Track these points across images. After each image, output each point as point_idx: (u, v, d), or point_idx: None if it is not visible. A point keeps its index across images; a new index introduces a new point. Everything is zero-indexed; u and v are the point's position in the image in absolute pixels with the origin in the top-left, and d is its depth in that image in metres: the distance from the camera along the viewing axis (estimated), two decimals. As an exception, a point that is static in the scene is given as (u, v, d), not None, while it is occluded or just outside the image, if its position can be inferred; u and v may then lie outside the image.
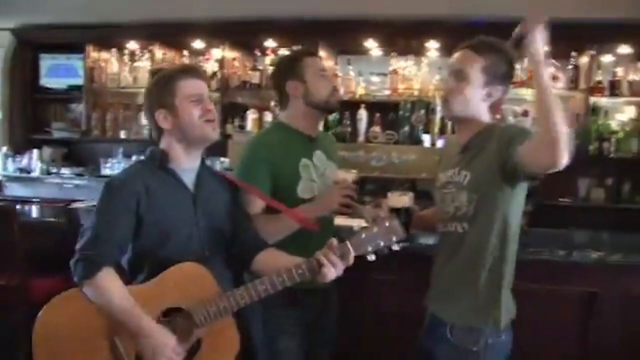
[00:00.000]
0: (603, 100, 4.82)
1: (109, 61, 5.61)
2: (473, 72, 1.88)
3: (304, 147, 2.19)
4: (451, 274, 1.91)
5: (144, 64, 5.48)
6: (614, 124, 4.84)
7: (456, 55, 1.96)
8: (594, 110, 4.78)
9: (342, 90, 4.26)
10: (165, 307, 1.76)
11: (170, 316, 1.77)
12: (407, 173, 2.92)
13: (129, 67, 5.54)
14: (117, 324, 1.72)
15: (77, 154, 6.01)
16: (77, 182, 5.43)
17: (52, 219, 2.94)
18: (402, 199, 2.02)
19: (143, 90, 5.26)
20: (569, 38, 4.55)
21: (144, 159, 1.96)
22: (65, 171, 5.58)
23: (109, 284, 1.72)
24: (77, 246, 1.76)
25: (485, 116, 1.95)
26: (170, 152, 1.89)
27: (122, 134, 5.54)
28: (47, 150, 5.79)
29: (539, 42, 1.64)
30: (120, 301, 1.71)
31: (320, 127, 2.46)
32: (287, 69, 2.21)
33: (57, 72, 5.77)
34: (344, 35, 5.06)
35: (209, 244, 1.91)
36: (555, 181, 3.65)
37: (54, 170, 5.62)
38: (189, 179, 1.91)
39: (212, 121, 1.88)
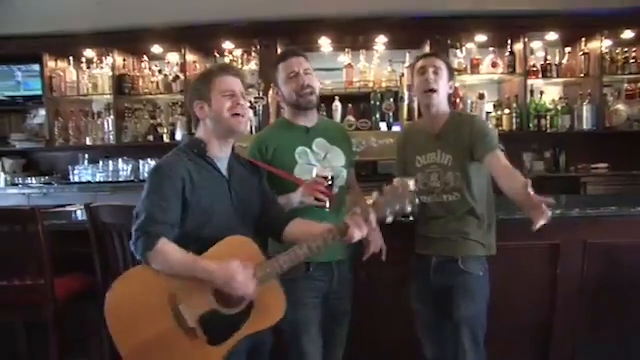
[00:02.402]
0: (538, 82, 5.41)
1: (67, 70, 5.68)
2: (443, 70, 2.45)
3: (301, 137, 2.49)
4: (459, 225, 2.41)
5: (104, 71, 5.60)
6: (548, 103, 5.42)
7: (423, 61, 2.49)
8: (531, 91, 5.35)
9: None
10: None
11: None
12: (385, 155, 3.25)
13: (88, 74, 5.63)
14: (178, 292, 1.93)
15: (37, 164, 6.03)
16: (44, 191, 5.45)
17: (74, 221, 3.08)
18: (410, 183, 2.27)
19: (104, 97, 5.45)
20: (506, 28, 5.12)
21: (182, 147, 2.12)
22: (31, 181, 5.61)
23: (169, 248, 1.92)
24: (134, 228, 1.94)
25: (447, 106, 2.52)
26: (207, 141, 2.10)
27: (89, 141, 5.62)
28: (8, 162, 5.79)
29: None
30: (184, 258, 1.92)
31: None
32: (275, 82, 2.55)
33: (12, 83, 5.75)
34: (298, 35, 5.36)
35: (242, 223, 2.14)
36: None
37: (19, 180, 5.64)
38: (222, 166, 2.14)
39: (240, 115, 2.10)
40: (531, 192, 1.98)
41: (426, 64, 2.45)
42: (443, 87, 2.44)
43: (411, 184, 2.27)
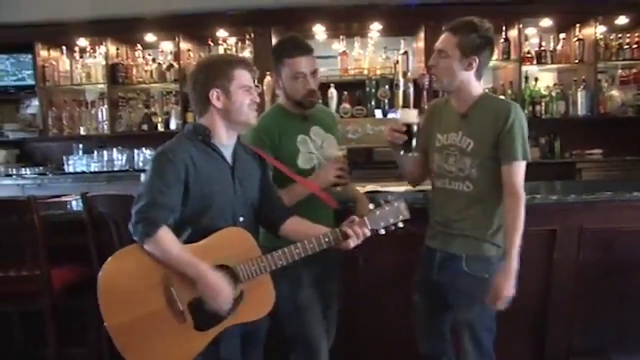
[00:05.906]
0: (532, 68, 5.41)
1: (60, 59, 5.63)
2: (451, 49, 2.22)
3: (299, 125, 2.49)
4: (468, 220, 2.27)
5: (97, 60, 5.55)
6: (542, 89, 5.43)
7: (440, 38, 2.29)
8: (526, 77, 5.37)
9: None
10: (214, 264, 2.01)
11: (219, 272, 2.01)
12: (381, 142, 3.23)
13: (81, 64, 5.59)
14: (172, 275, 1.95)
15: (30, 154, 6.00)
16: (38, 181, 5.42)
17: (70, 211, 3.07)
18: (413, 114, 2.33)
19: (98, 86, 5.40)
20: (500, 14, 5.09)
21: (186, 133, 2.13)
22: (25, 171, 5.57)
23: (169, 239, 1.95)
24: (134, 210, 1.96)
25: (474, 85, 2.28)
26: (213, 129, 2.10)
27: (82, 131, 5.60)
28: (1, 152, 5.77)
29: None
30: (180, 253, 1.95)
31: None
32: (274, 68, 2.50)
33: (4, 73, 5.70)
34: (292, 23, 5.32)
35: (242, 211, 2.15)
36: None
37: (12, 171, 5.60)
38: (227, 153, 2.15)
39: (255, 110, 2.15)
40: None
41: (436, 45, 2.28)
42: (447, 68, 2.22)
43: (415, 113, 2.36)
